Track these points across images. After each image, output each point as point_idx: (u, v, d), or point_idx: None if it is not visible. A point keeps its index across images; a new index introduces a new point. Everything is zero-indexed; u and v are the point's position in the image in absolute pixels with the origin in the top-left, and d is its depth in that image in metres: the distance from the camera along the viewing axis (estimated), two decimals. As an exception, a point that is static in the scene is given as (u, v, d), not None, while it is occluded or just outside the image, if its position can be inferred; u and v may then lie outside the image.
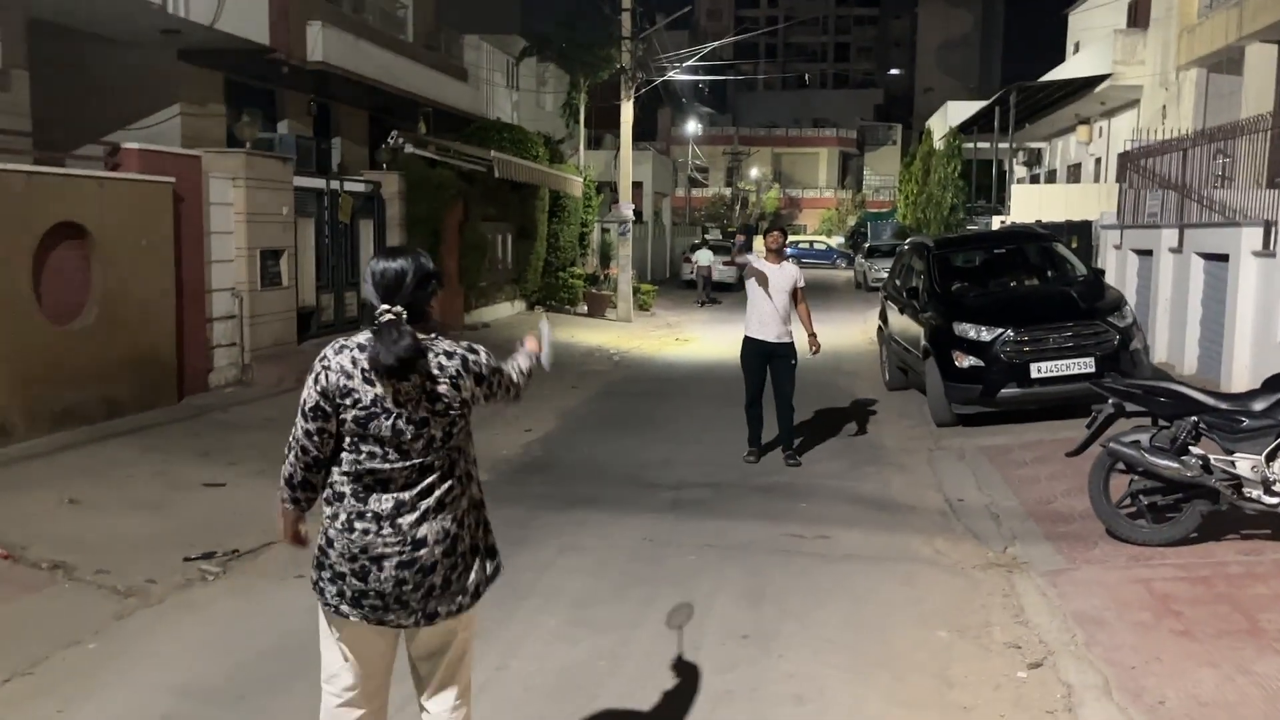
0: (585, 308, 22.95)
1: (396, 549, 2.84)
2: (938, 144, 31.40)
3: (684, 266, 34.46)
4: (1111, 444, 5.99)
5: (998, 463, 8.40)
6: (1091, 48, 25.11)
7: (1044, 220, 18.39)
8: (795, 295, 8.67)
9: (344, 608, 2.89)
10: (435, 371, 2.85)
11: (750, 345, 8.78)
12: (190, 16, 11.60)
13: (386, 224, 15.20)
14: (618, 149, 24.22)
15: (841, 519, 7.06)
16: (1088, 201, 20.55)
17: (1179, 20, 19.42)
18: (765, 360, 8.71)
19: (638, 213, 29.06)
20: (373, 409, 2.83)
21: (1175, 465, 5.73)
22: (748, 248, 9.61)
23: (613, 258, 25.41)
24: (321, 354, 2.94)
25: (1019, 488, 7.57)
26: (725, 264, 26.10)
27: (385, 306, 2.83)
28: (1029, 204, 22.73)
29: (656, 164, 38.61)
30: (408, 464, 2.86)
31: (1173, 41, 19.70)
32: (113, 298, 9.02)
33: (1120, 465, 6.01)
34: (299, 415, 2.90)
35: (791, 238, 54.32)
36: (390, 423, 2.83)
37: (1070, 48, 30.71)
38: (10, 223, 8.00)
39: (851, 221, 58.49)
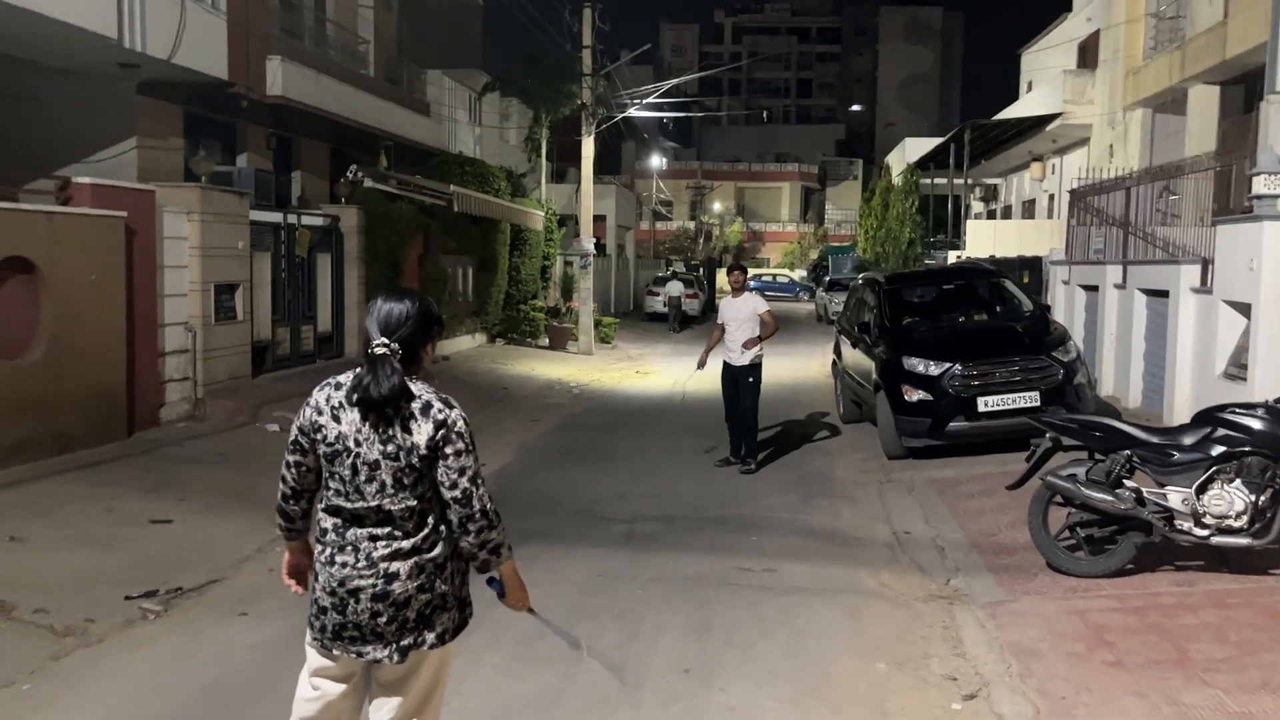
0: (546, 340, 22.99)
1: (370, 581, 2.90)
2: (896, 179, 31.91)
3: (647, 299, 34.67)
4: (1049, 478, 6.13)
5: (945, 495, 8.53)
6: (1043, 87, 25.72)
7: (998, 255, 18.73)
8: (763, 320, 9.89)
9: (328, 641, 2.98)
10: (391, 410, 2.87)
11: (724, 369, 10.11)
12: (148, 50, 11.60)
13: (345, 258, 15.21)
14: (580, 182, 24.40)
15: (791, 552, 7.14)
16: (1041, 237, 20.96)
17: (1125, 62, 19.97)
18: (735, 381, 9.96)
19: (600, 246, 29.23)
20: (336, 445, 2.91)
21: (1110, 498, 5.87)
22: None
23: (574, 290, 25.52)
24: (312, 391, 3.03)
25: (965, 520, 7.69)
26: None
27: (382, 340, 2.88)
28: (984, 239, 23.14)
29: (620, 197, 38.85)
30: (366, 505, 2.90)
31: (1119, 82, 20.24)
32: (62, 332, 8.95)
33: (1058, 498, 6.14)
34: (286, 450, 3.03)
35: (754, 271, 54.96)
36: (350, 461, 2.88)
37: (1024, 86, 31.41)
38: (-43, 257, 7.94)
39: (814, 255, 59.10)
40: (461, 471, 2.91)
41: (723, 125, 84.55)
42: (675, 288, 31.97)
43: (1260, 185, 8.68)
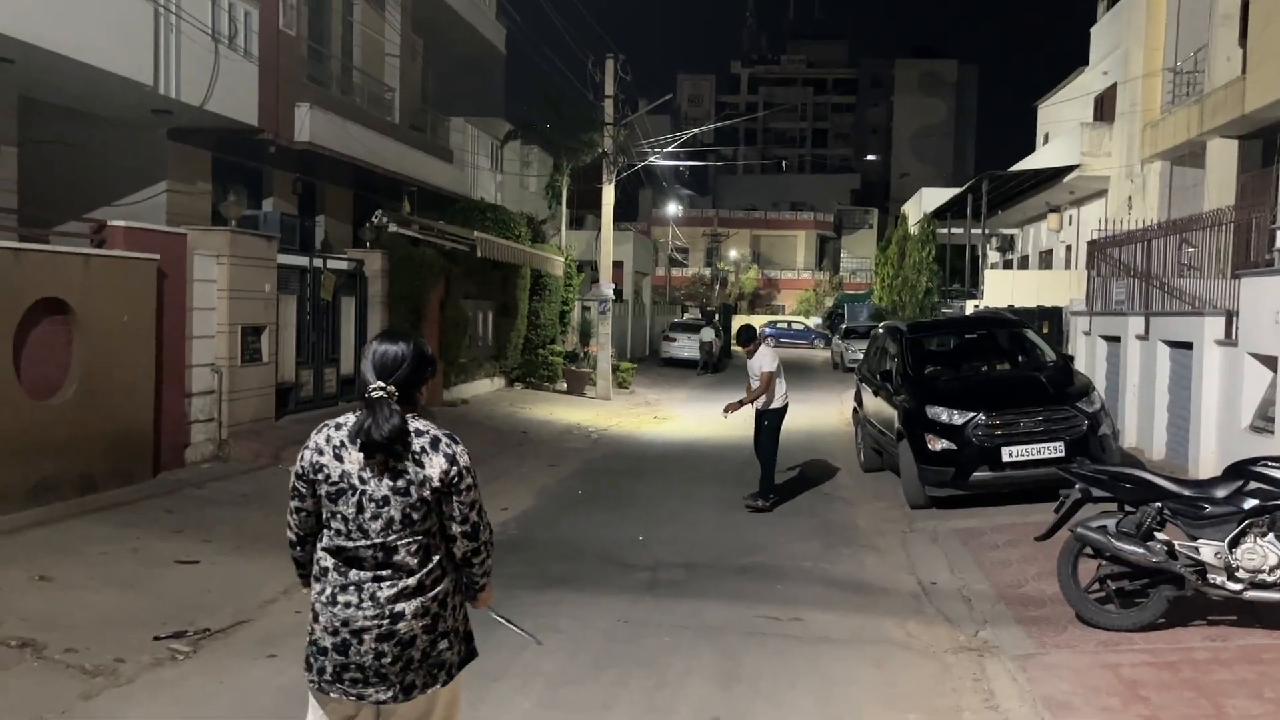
0: (565, 385, 23.04)
1: (375, 622, 2.91)
2: (913, 228, 32.05)
3: (664, 345, 34.79)
4: (1079, 529, 6.10)
5: (970, 545, 8.47)
6: (1060, 139, 25.88)
7: (1016, 305, 18.74)
8: (757, 375, 10.44)
9: (325, 684, 2.97)
10: (399, 448, 2.92)
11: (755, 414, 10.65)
12: (181, 97, 11.83)
13: (369, 301, 15.34)
14: (599, 229, 24.61)
15: (815, 600, 7.10)
16: (1059, 287, 20.98)
17: (1143, 115, 20.10)
18: (757, 422, 10.53)
19: (618, 291, 29.39)
20: (340, 484, 2.94)
21: (1141, 551, 5.83)
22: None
23: (593, 336, 25.62)
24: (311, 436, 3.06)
25: (991, 571, 7.64)
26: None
27: (379, 384, 2.94)
28: (1002, 289, 23.17)
29: (637, 244, 39.13)
30: (369, 543, 2.91)
31: (1137, 135, 20.36)
32: (93, 373, 9.05)
33: (1088, 550, 6.11)
34: (290, 488, 3.06)
35: (770, 318, 55.24)
36: (355, 499, 2.91)
37: (1040, 138, 31.61)
38: (-6, 298, 8.07)
39: (829, 302, 59.22)
40: (471, 505, 3.00)
41: (739, 173, 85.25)
42: (708, 334, 32.85)
43: (1284, 239, 8.70)
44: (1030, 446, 9.48)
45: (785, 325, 51.43)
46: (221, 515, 8.88)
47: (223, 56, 12.48)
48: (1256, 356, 9.45)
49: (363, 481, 2.91)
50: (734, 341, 11.36)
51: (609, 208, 23.36)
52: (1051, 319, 17.11)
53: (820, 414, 18.88)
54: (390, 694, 2.94)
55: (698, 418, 18.29)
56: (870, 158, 79.80)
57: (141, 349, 9.79)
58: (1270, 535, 5.61)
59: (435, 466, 2.93)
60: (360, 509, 2.91)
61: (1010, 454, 9.47)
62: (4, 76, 10.23)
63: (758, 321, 44.35)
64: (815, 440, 15.19)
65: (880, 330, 13.59)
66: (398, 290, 15.84)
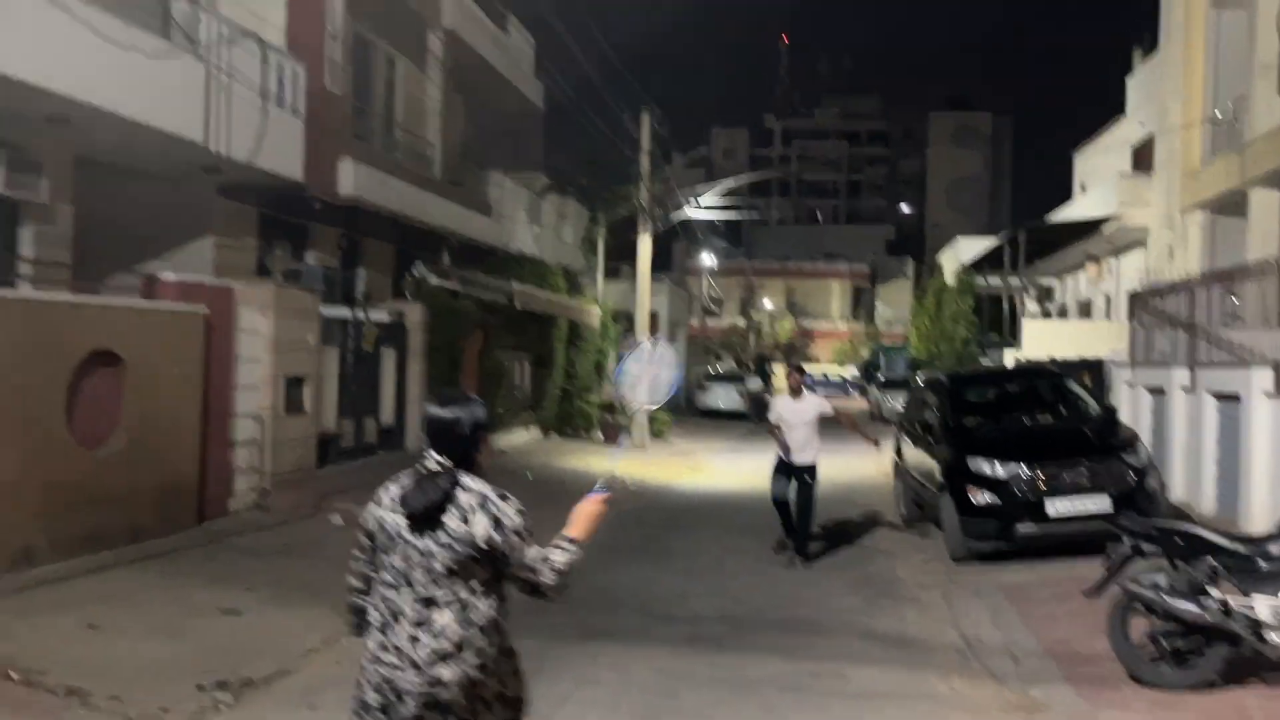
0: (600, 435, 23.06)
1: (418, 686, 2.93)
2: (949, 279, 31.95)
3: (699, 395, 34.77)
4: (1130, 585, 5.99)
5: (1015, 600, 8.33)
6: (1098, 189, 25.79)
7: (1056, 357, 18.57)
8: (831, 419, 10.37)
9: None
10: (452, 513, 3.01)
11: (778, 462, 10.37)
12: (230, 154, 12.13)
13: (409, 352, 15.52)
14: (635, 280, 24.78)
15: (857, 655, 7.01)
16: (1099, 338, 20.77)
17: (1182, 165, 20.01)
18: (788, 474, 10.23)
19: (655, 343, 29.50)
20: (391, 536, 3.05)
21: (1194, 608, 5.71)
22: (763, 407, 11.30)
23: (629, 386, 25.68)
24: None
25: (1037, 626, 7.51)
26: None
27: (435, 456, 3.07)
28: (1041, 340, 22.96)
29: (672, 295, 39.31)
30: (413, 594, 2.98)
31: (1176, 185, 20.25)
32: (142, 423, 9.21)
33: (1139, 606, 5.99)
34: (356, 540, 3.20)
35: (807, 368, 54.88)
36: (401, 550, 3.01)
37: (1077, 188, 31.52)
38: (50, 350, 8.27)
39: (865, 353, 58.95)
40: (522, 564, 3.04)
41: (773, 224, 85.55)
42: (755, 383, 33.16)
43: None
44: (1075, 499, 9.34)
45: (822, 376, 51.19)
46: (263, 565, 8.95)
47: (270, 114, 12.80)
48: (1306, 408, 9.29)
49: (408, 535, 3.01)
50: (786, 381, 10.99)
51: (645, 259, 23.56)
52: (1093, 370, 16.91)
53: (858, 465, 18.70)
54: None
55: (734, 469, 18.21)
56: (905, 208, 79.89)
57: (189, 399, 9.97)
58: (1328, 592, 5.47)
59: (479, 526, 2.99)
60: (406, 559, 3.00)
61: (1055, 507, 9.34)
62: (62, 136, 10.56)
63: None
64: (854, 492, 15.06)
65: (920, 381, 13.52)
66: (437, 341, 16.02)
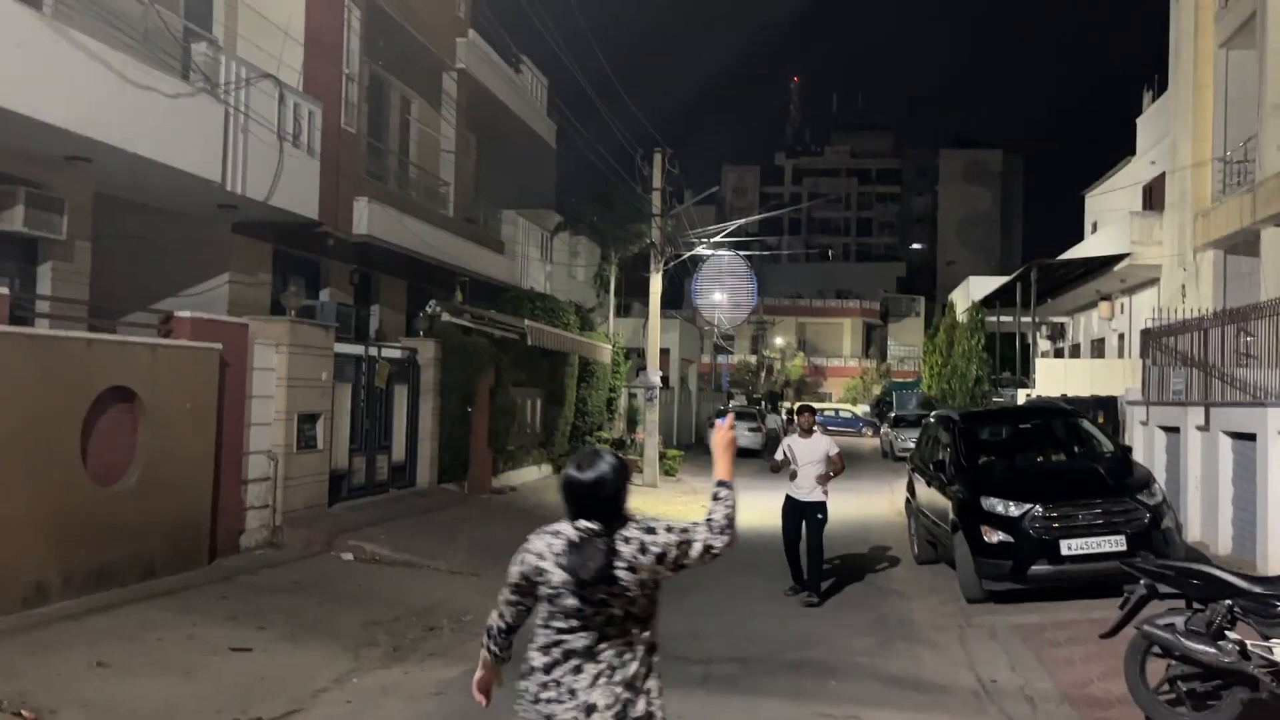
0: (611, 473, 22.97)
1: (573, 714, 3.14)
2: (961, 316, 31.93)
3: (710, 432, 34.68)
4: (1146, 627, 5.93)
5: (1031, 642, 8.25)
6: (1109, 228, 25.82)
7: (1069, 395, 18.50)
8: (831, 459, 10.36)
9: None
10: (618, 567, 3.15)
11: (788, 501, 10.50)
12: (247, 193, 12.27)
13: (421, 389, 15.56)
14: (646, 316, 24.85)
15: (872, 698, 6.94)
16: (1113, 376, 20.68)
17: (1193, 204, 20.03)
18: (799, 515, 10.33)
19: (665, 379, 29.51)
20: (561, 589, 3.19)
21: (1212, 650, 5.65)
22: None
23: (639, 422, 25.66)
24: (528, 538, 3.34)
25: (1053, 669, 7.42)
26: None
27: (584, 525, 3.18)
28: (1054, 378, 22.89)
29: (683, 331, 39.35)
30: (586, 635, 3.17)
31: (1188, 224, 20.26)
32: (156, 459, 9.25)
33: (1156, 649, 5.93)
34: (505, 585, 3.34)
35: (818, 405, 54.81)
36: (575, 602, 3.16)
37: (1089, 226, 31.56)
38: (66, 387, 8.33)
39: (876, 390, 58.83)
40: (680, 560, 3.21)
41: (783, 262, 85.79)
42: (774, 421, 33.11)
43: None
44: (1090, 539, 9.26)
45: (833, 413, 51.06)
46: (275, 602, 8.93)
47: (287, 154, 12.96)
48: (1323, 448, 9.23)
49: (580, 587, 3.15)
50: (795, 419, 11.24)
51: (656, 297, 23.63)
52: (1107, 409, 16.85)
53: (871, 504, 18.63)
54: None
55: (746, 507, 18.09)
56: (916, 246, 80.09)
57: (202, 436, 10.01)
58: (1348, 636, 5.41)
59: (645, 570, 3.18)
60: (580, 609, 3.16)
61: (1069, 547, 9.26)
62: (82, 175, 10.71)
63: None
64: (867, 531, 14.98)
65: (932, 419, 13.48)
66: (449, 378, 16.06)
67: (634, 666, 3.20)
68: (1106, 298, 26.95)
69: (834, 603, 10.24)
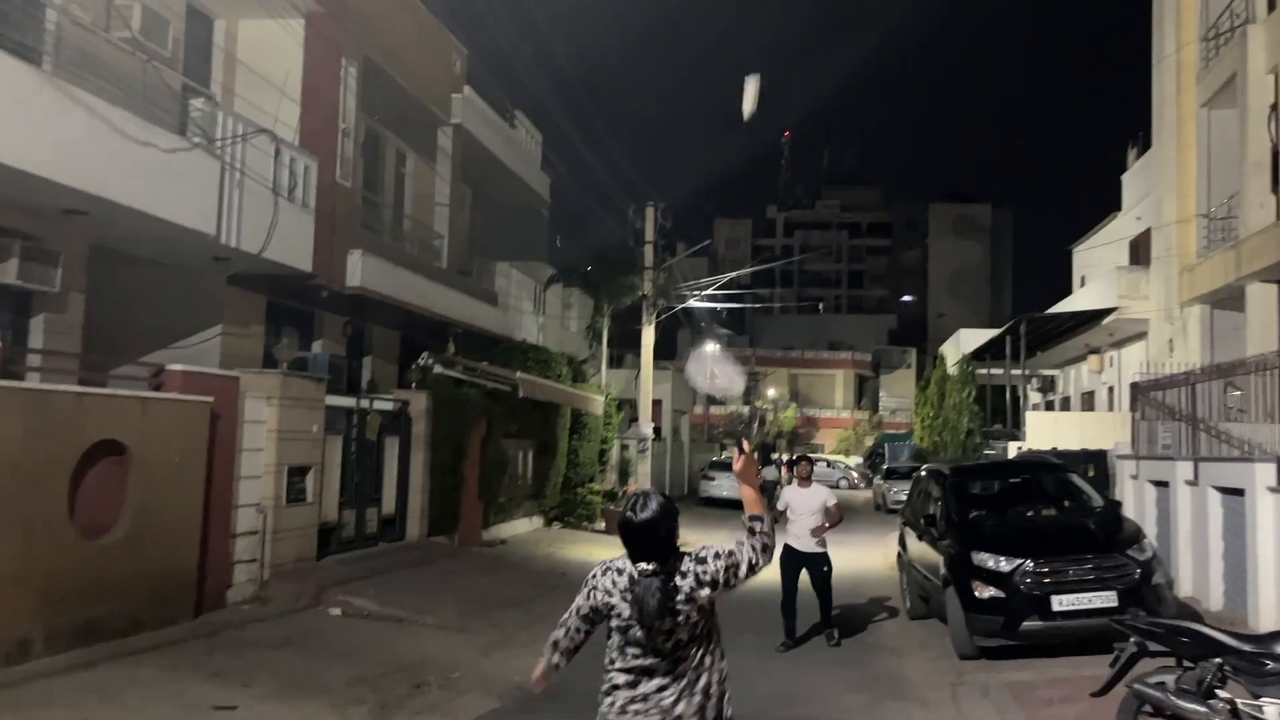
0: (603, 524, 22.89)
1: None
2: (951, 369, 32.07)
3: (703, 484, 34.59)
4: (1137, 685, 5.91)
5: (1023, 700, 8.19)
6: (1097, 282, 26.06)
7: (1060, 448, 18.54)
8: (830, 510, 10.57)
9: None
10: (678, 594, 3.53)
11: (786, 552, 10.46)
12: (241, 246, 12.35)
13: (412, 441, 15.53)
14: (638, 368, 24.92)
15: (864, 758, 6.87)
16: (1103, 429, 20.75)
17: (1179, 259, 20.25)
18: (799, 567, 10.52)
19: (657, 430, 29.50)
20: (630, 622, 3.55)
21: (1203, 710, 5.62)
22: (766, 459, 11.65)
23: (632, 474, 25.60)
24: (592, 572, 3.75)
25: (1046, 728, 7.36)
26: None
27: (643, 567, 3.55)
28: (1044, 430, 22.95)
29: (676, 382, 39.42)
30: (660, 659, 3.54)
31: (1174, 279, 20.47)
32: (144, 513, 9.21)
33: (1148, 708, 5.90)
34: (573, 612, 3.74)
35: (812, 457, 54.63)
36: (642, 635, 3.53)
37: (1077, 280, 31.84)
38: (55, 440, 8.32)
39: (869, 442, 58.80)
40: (732, 579, 3.61)
41: (775, 314, 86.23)
42: (771, 472, 33.22)
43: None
44: (1081, 595, 9.24)
45: (826, 464, 50.96)
46: (261, 659, 8.84)
47: (281, 208, 13.06)
48: (1311, 504, 9.25)
49: (645, 621, 3.51)
50: (793, 472, 11.47)
51: (649, 349, 23.73)
52: (1097, 462, 16.87)
53: (863, 557, 18.54)
54: None
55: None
56: (907, 299, 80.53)
57: (192, 490, 9.97)
58: (1338, 695, 5.39)
59: (704, 598, 3.56)
60: (650, 635, 3.52)
61: (1060, 603, 9.23)
62: (78, 228, 10.79)
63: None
64: (860, 585, 14.89)
65: (923, 473, 13.49)
66: (441, 430, 16.05)
67: (706, 675, 3.57)
68: (1096, 351, 27.13)
69: (825, 659, 10.16)
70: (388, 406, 15.12)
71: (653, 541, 3.55)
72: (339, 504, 13.40)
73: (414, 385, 16.24)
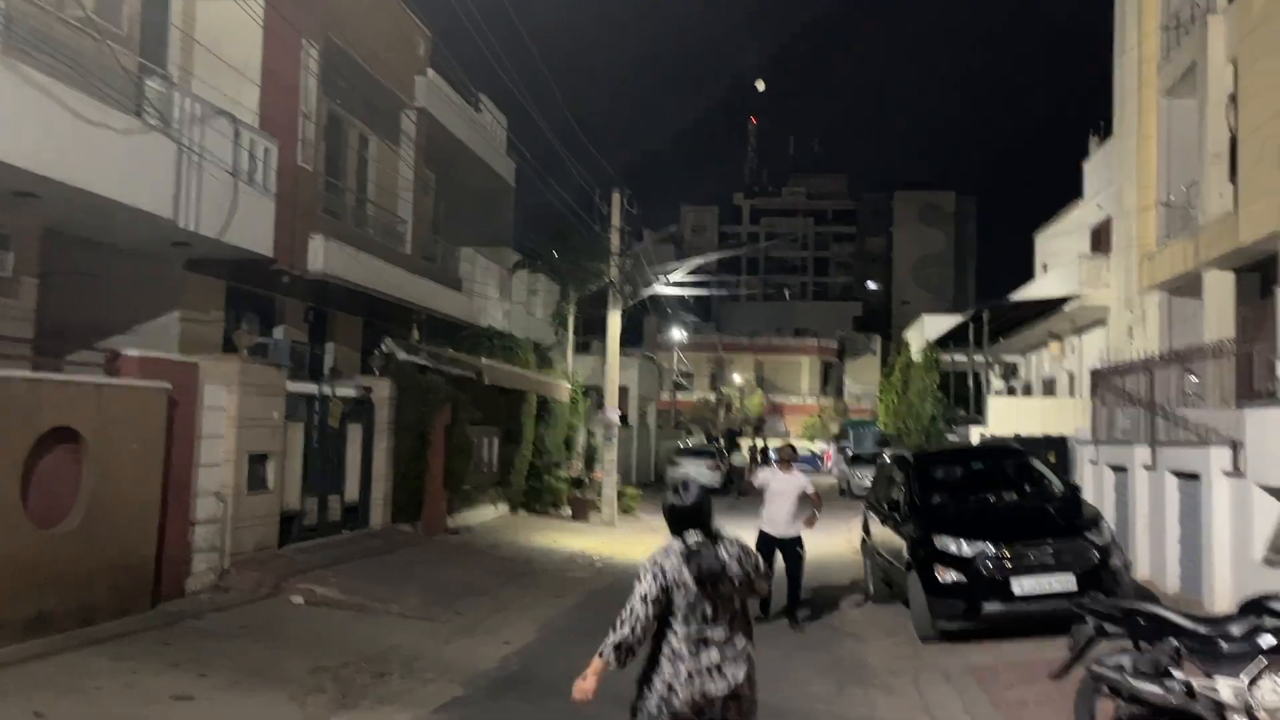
0: (569, 511, 22.87)
1: (725, 689, 4.13)
2: (915, 356, 32.30)
3: (670, 471, 34.66)
4: (1095, 667, 5.98)
5: (985, 684, 8.27)
6: (1059, 269, 26.34)
7: (1021, 434, 18.75)
8: (809, 497, 11.00)
9: None
10: (728, 561, 4.21)
11: (762, 536, 10.92)
12: (200, 230, 12.13)
13: (375, 428, 15.39)
14: (605, 354, 24.86)
15: (827, 743, 6.91)
16: (1064, 415, 21.01)
17: (1139, 247, 20.50)
18: (773, 550, 10.78)
19: (623, 417, 29.47)
20: (698, 595, 4.14)
21: (1159, 690, 5.70)
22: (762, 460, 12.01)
23: (598, 461, 25.57)
24: (651, 559, 4.26)
25: (1008, 712, 7.45)
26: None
27: (695, 538, 4.24)
28: (1006, 416, 23.21)
29: (642, 369, 39.41)
30: (720, 628, 4.17)
31: (1134, 267, 20.72)
32: (100, 501, 9.04)
33: (1104, 688, 5.97)
34: (638, 601, 4.14)
35: (777, 443, 54.94)
36: (708, 604, 4.15)
37: (1039, 267, 32.16)
38: (8, 427, 8.13)
39: (834, 428, 59.15)
40: (755, 577, 4.37)
41: (742, 300, 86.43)
42: (739, 459, 33.45)
43: (1285, 371, 8.77)
44: (1041, 578, 9.36)
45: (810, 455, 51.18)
46: (220, 648, 8.72)
47: (241, 191, 12.85)
48: (1265, 488, 9.41)
49: (704, 592, 4.15)
50: (779, 454, 11.81)
51: (615, 335, 23.67)
52: (1057, 448, 17.07)
53: (828, 543, 18.62)
54: None
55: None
56: (871, 286, 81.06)
57: (149, 477, 9.81)
58: (1290, 675, 5.48)
59: (750, 565, 4.29)
60: (712, 604, 4.15)
61: (1021, 586, 9.35)
62: (30, 211, 10.55)
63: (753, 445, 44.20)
64: (825, 570, 14.97)
65: (887, 459, 13.58)
66: (404, 417, 15.91)
67: (744, 642, 4.23)
68: (1057, 338, 27.44)
69: (791, 645, 10.21)
70: (350, 393, 14.96)
71: (700, 517, 4.24)
72: (301, 492, 13.24)
73: (377, 372, 16.09)
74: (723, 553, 4.19)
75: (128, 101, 11.14)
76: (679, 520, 4.25)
